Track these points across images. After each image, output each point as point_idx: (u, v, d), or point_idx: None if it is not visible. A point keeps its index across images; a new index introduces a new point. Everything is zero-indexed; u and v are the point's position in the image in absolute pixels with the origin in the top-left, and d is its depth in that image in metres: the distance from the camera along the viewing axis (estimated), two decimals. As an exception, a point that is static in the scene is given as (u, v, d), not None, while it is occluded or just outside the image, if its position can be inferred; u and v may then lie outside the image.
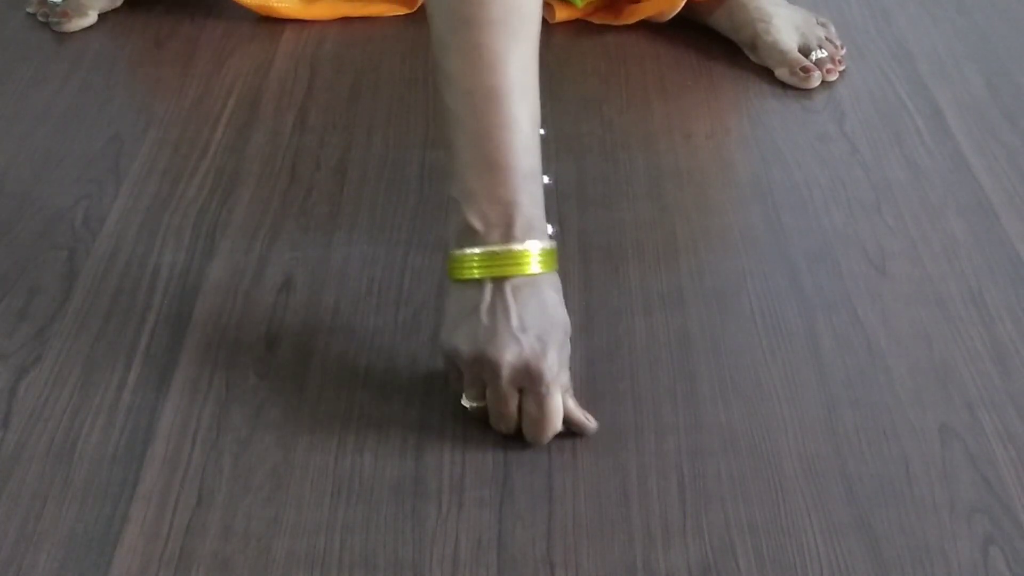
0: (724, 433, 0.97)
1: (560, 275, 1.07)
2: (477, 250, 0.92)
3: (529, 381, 0.92)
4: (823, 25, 1.48)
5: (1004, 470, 0.95)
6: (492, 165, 0.92)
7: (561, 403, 0.94)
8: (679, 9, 1.47)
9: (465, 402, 0.96)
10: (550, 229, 0.95)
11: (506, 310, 0.92)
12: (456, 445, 0.95)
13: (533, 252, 0.93)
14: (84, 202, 1.19)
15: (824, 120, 1.37)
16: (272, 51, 1.44)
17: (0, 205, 1.18)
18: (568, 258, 1.14)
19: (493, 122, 0.92)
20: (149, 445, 0.95)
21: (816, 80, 1.41)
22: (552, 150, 1.29)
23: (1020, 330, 1.09)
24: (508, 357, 0.91)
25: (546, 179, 1.23)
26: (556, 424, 0.94)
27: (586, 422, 0.96)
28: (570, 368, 0.95)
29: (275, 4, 1.48)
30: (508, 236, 0.92)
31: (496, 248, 0.92)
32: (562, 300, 0.95)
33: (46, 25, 1.47)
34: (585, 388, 1.01)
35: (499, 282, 0.92)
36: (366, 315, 1.07)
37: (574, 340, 0.96)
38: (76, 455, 0.94)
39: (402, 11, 1.51)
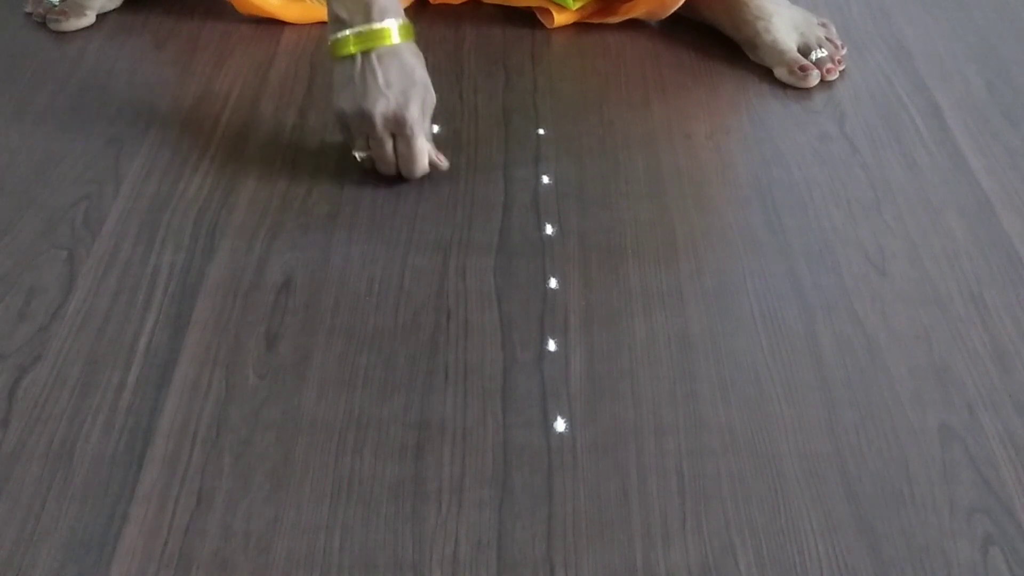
0: (724, 433, 0.97)
1: (560, 275, 1.06)
2: (347, 32, 1.17)
3: (397, 127, 1.18)
4: (823, 25, 1.48)
5: (1004, 470, 0.95)
6: None
7: (424, 144, 1.20)
8: (673, 10, 1.47)
9: (356, 153, 1.21)
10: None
11: (374, 74, 1.17)
12: (456, 445, 0.96)
13: (392, 27, 1.18)
14: (84, 202, 1.19)
15: (824, 120, 1.37)
16: (272, 51, 1.44)
17: (0, 205, 1.18)
18: (568, 258, 1.14)
19: None
20: (149, 445, 0.95)
21: (815, 80, 1.41)
22: (552, 150, 1.29)
23: (1020, 330, 1.09)
24: (379, 108, 1.17)
25: (546, 179, 1.24)
26: (423, 161, 1.21)
27: (439, 161, 1.22)
28: (432, 122, 1.21)
29: (256, 0, 1.47)
30: (368, 18, 1.17)
31: (361, 28, 1.17)
32: (421, 63, 1.20)
33: (45, 25, 1.47)
34: (585, 388, 1.01)
35: (367, 54, 1.17)
36: (366, 315, 1.07)
37: (574, 339, 0.96)
38: (76, 455, 0.94)
39: None
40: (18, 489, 0.91)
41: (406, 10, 1.51)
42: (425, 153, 1.20)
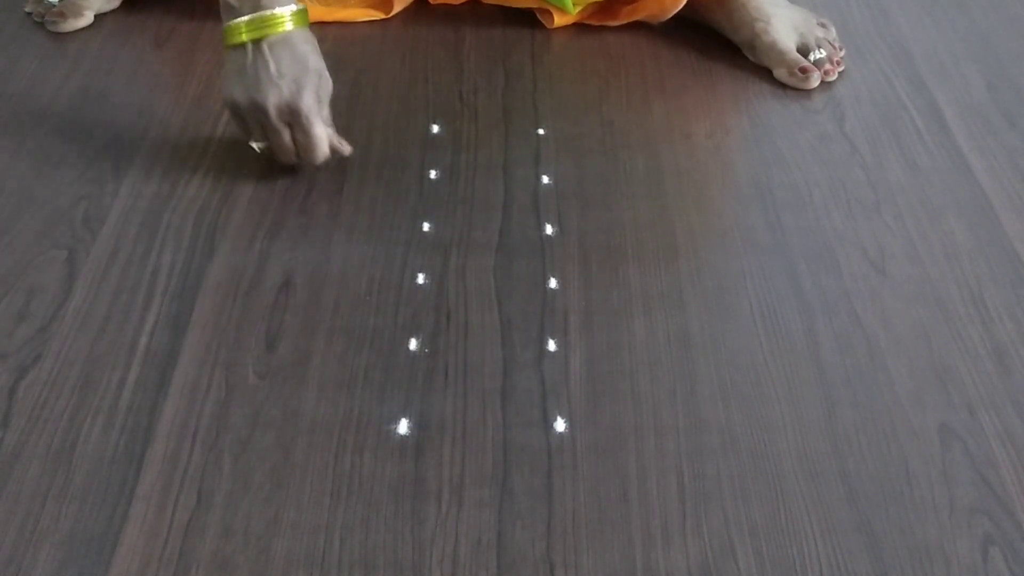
0: (724, 433, 0.97)
1: (560, 275, 1.06)
2: (238, 19, 1.15)
3: (291, 116, 1.16)
4: (823, 25, 1.48)
5: (1004, 470, 0.95)
6: None
7: (323, 131, 1.18)
8: (674, 12, 1.47)
9: (253, 145, 1.19)
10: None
11: (265, 63, 1.15)
12: (456, 445, 0.96)
13: (283, 14, 1.15)
14: (84, 202, 1.19)
15: (824, 120, 1.37)
16: (272, 51, 1.44)
17: (0, 205, 1.18)
18: (568, 258, 1.14)
19: None
20: (149, 445, 0.95)
21: (815, 81, 1.41)
22: (552, 150, 1.29)
23: (1020, 330, 1.09)
24: (272, 99, 1.15)
25: (546, 179, 1.24)
26: (323, 147, 1.18)
27: (340, 146, 1.21)
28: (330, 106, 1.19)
29: None
30: (259, 5, 1.15)
31: (252, 16, 1.15)
32: (315, 50, 1.18)
33: (43, 25, 1.47)
34: (585, 388, 1.01)
35: (258, 42, 1.15)
36: (366, 315, 1.07)
37: (574, 339, 0.96)
38: (76, 455, 0.94)
39: (377, 16, 1.51)
40: (18, 489, 0.91)
41: (405, 10, 1.52)
42: (324, 140, 1.18)
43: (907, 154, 1.31)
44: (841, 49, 1.46)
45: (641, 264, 1.14)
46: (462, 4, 1.54)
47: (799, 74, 1.41)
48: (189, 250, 1.13)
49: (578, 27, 1.51)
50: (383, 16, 1.51)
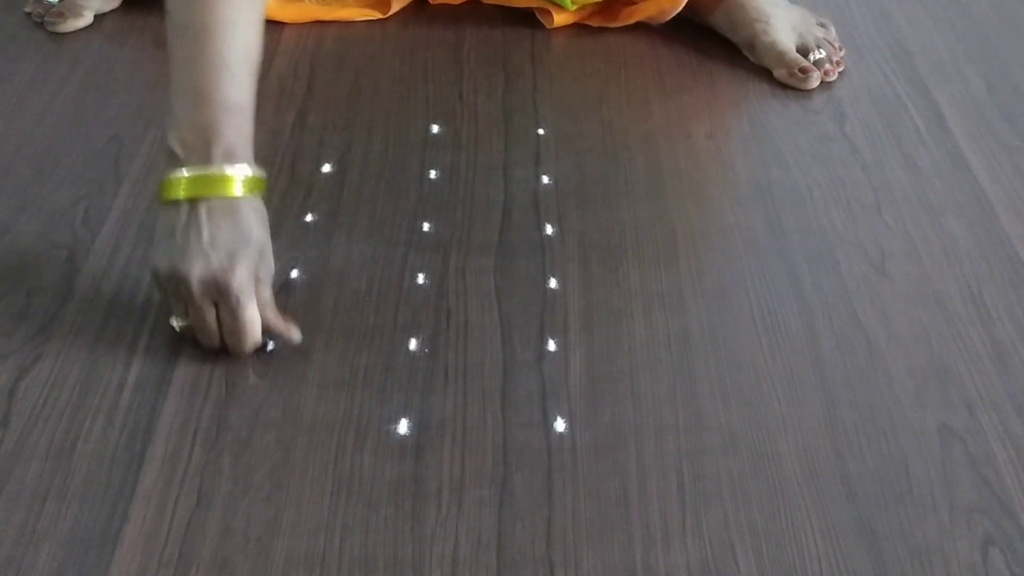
0: (724, 433, 0.97)
1: (560, 275, 1.06)
2: (178, 173, 0.99)
3: (219, 294, 0.98)
4: (823, 25, 1.48)
5: (1004, 470, 0.95)
6: (195, 94, 0.99)
7: (255, 315, 1.00)
8: (674, 14, 1.47)
9: (174, 322, 1.02)
10: (262, 173, 1.02)
11: (199, 228, 0.98)
12: (456, 445, 0.96)
13: (234, 176, 0.99)
14: (84, 202, 1.19)
15: (824, 120, 1.37)
16: (272, 51, 1.44)
17: (0, 205, 1.18)
18: (568, 258, 1.14)
19: (200, 53, 1.00)
20: (149, 445, 0.95)
21: (815, 81, 1.41)
22: (552, 150, 1.29)
23: (1020, 330, 1.09)
24: (196, 272, 0.98)
25: (546, 179, 1.24)
26: (254, 334, 1.00)
27: (286, 332, 1.02)
28: (275, 284, 1.04)
29: None
30: (206, 161, 0.98)
31: (195, 171, 0.98)
32: (263, 222, 1.01)
33: (43, 25, 1.47)
34: (585, 388, 1.01)
35: (195, 203, 0.98)
36: (366, 315, 1.07)
37: (574, 339, 0.96)
38: (76, 455, 0.94)
39: (375, 15, 1.51)
40: (18, 489, 0.91)
41: (405, 10, 1.52)
42: (256, 325, 1.00)
43: (907, 154, 1.31)
44: (841, 49, 1.46)
45: (641, 264, 1.14)
46: (462, 4, 1.54)
47: (799, 74, 1.41)
48: (189, 250, 1.13)
49: (578, 27, 1.51)
50: (380, 16, 1.51)
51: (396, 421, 0.97)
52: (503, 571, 0.86)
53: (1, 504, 0.90)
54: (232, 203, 0.99)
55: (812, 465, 0.95)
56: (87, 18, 1.48)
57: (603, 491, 0.92)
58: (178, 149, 0.99)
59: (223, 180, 0.99)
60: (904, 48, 1.51)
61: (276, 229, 1.16)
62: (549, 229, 1.18)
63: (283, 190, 1.21)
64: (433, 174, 1.25)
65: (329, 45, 1.46)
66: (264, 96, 1.35)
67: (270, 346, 1.02)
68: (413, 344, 1.04)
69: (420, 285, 1.11)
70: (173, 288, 1.00)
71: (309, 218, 1.18)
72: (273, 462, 0.94)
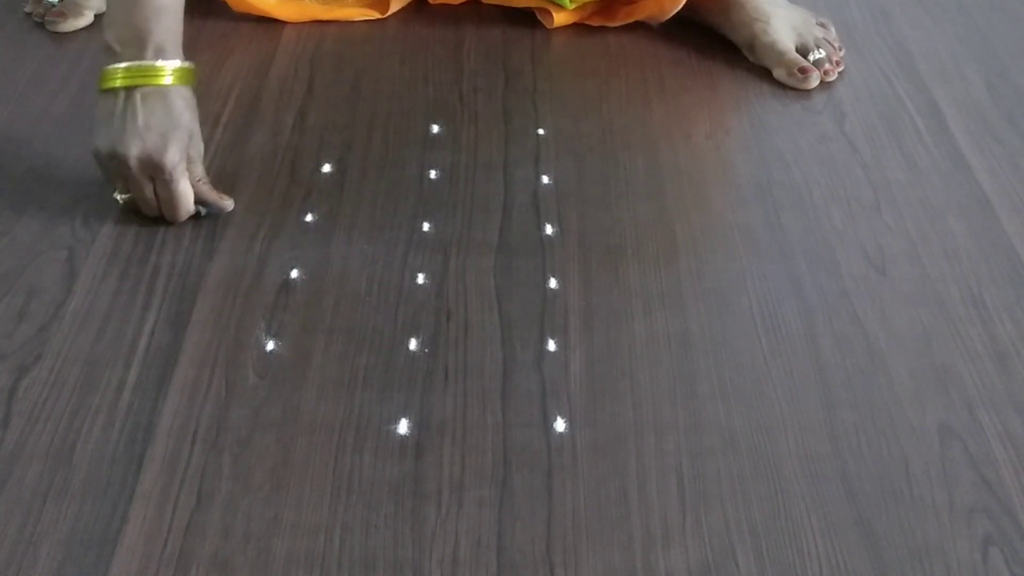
0: (724, 433, 0.97)
1: (560, 275, 1.06)
2: (117, 64, 1.12)
3: (154, 170, 1.12)
4: (822, 25, 1.48)
5: (1004, 470, 0.95)
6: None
7: (187, 189, 1.13)
8: (673, 12, 1.47)
9: (117, 196, 1.15)
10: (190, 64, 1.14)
11: (134, 114, 1.11)
12: (456, 445, 0.96)
13: (165, 67, 1.12)
14: (84, 202, 1.19)
15: (824, 120, 1.37)
16: (272, 51, 1.44)
17: (0, 205, 1.18)
18: (568, 258, 1.14)
19: None
20: (148, 445, 0.95)
21: (814, 81, 1.41)
22: (552, 150, 1.29)
23: (1020, 330, 1.09)
24: (133, 151, 1.11)
25: (546, 179, 1.24)
26: (186, 205, 1.14)
27: (220, 200, 1.16)
28: (206, 165, 1.16)
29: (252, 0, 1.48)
30: (140, 55, 1.11)
31: (130, 64, 1.11)
32: (192, 109, 1.13)
33: (44, 25, 1.47)
34: (585, 388, 1.01)
35: (131, 91, 1.11)
36: (366, 315, 1.07)
37: (574, 339, 0.95)
38: (76, 455, 0.94)
39: (374, 15, 1.51)
40: (18, 489, 0.91)
41: (405, 10, 1.52)
42: (187, 197, 1.13)
43: (907, 154, 1.31)
44: (841, 49, 1.46)
45: (641, 264, 1.14)
46: (462, 4, 1.54)
47: (798, 74, 1.41)
48: (189, 250, 1.13)
49: (578, 27, 1.51)
50: (379, 16, 1.51)
51: (396, 421, 0.97)
52: (503, 571, 0.86)
53: (1, 504, 0.90)
54: (163, 91, 1.12)
55: (812, 465, 0.95)
56: (87, 18, 1.48)
57: (603, 491, 0.92)
58: (116, 45, 1.12)
59: (155, 70, 1.11)
60: (904, 48, 1.51)
61: (276, 229, 1.16)
62: (549, 229, 1.18)
63: (283, 190, 1.21)
64: (433, 174, 1.25)
65: (329, 45, 1.46)
66: (264, 96, 1.36)
67: (203, 212, 1.16)
68: (413, 344, 1.04)
69: (420, 285, 1.11)
70: (114, 167, 1.13)
71: (309, 218, 1.18)
72: (273, 462, 0.94)
